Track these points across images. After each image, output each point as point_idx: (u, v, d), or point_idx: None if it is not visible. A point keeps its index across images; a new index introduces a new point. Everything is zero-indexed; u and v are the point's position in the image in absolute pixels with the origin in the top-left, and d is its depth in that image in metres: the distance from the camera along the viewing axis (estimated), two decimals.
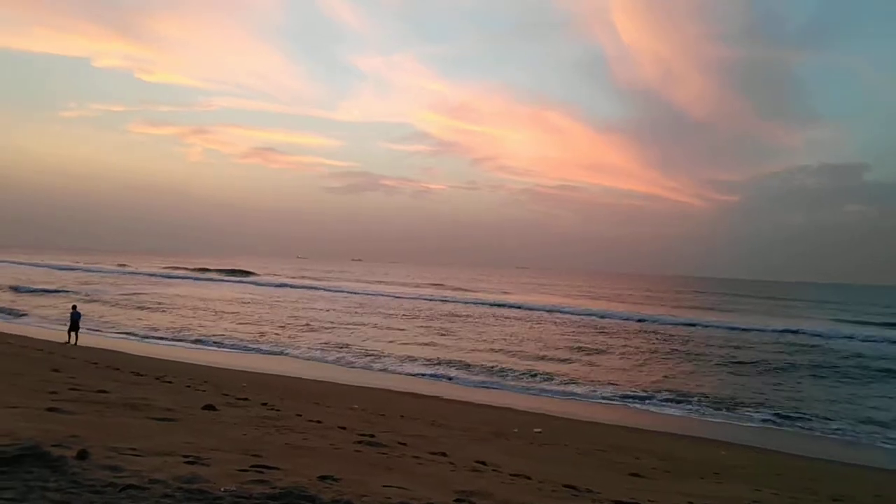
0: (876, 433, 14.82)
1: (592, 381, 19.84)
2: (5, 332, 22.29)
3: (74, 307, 22.35)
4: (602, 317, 43.45)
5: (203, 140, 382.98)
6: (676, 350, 28.00)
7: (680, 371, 22.59)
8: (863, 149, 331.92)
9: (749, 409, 16.67)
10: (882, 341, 33.77)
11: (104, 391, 9.51)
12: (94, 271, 75.91)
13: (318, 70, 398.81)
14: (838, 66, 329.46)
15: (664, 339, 31.99)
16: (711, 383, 20.38)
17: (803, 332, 35.99)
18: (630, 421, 15.08)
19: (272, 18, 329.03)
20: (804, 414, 16.27)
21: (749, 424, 15.43)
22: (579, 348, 27.21)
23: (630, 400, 17.45)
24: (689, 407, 16.83)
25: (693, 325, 39.61)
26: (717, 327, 38.58)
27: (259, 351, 23.37)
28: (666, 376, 21.22)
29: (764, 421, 15.67)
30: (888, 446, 13.92)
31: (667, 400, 17.44)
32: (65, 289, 46.22)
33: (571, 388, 18.64)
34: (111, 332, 26.03)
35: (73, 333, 20.97)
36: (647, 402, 17.27)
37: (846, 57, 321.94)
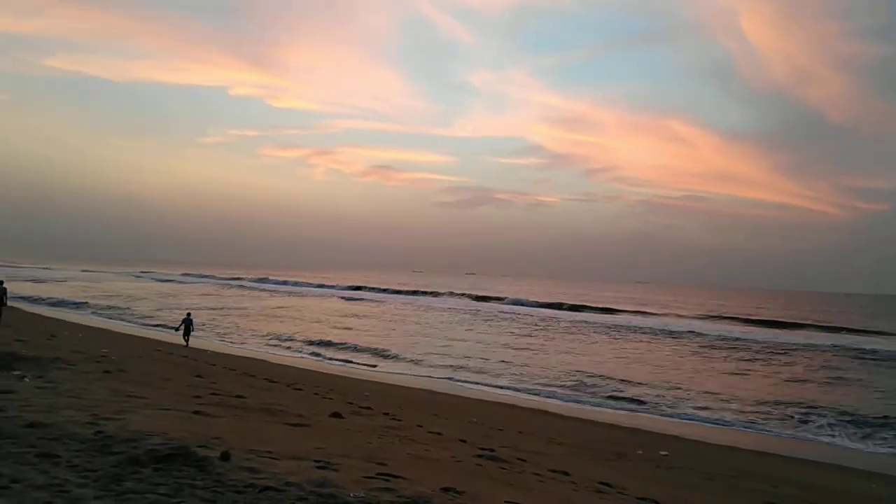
0: None
1: (726, 401, 18.71)
2: (154, 338, 24.51)
3: (189, 314, 24.42)
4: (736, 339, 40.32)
5: (326, 160, 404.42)
6: (840, 376, 25.64)
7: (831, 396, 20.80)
8: None
9: None
10: None
11: (242, 396, 10.18)
12: (252, 288, 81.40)
13: (432, 89, 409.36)
14: None
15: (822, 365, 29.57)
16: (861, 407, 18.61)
17: None
18: (761, 445, 14.03)
19: (389, 41, 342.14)
20: None
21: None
22: (715, 368, 25.79)
23: (760, 424, 16.26)
24: (831, 432, 15.45)
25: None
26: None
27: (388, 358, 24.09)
28: (813, 399, 19.58)
29: None
30: None
31: (804, 422, 16.10)
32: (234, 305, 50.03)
33: (701, 411, 17.62)
34: (254, 341, 27.91)
35: (187, 338, 23.49)
36: (784, 424, 16.02)
37: None
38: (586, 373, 22.64)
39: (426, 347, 28.14)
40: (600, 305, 63.11)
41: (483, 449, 8.55)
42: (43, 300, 41.81)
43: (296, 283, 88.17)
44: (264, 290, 73.60)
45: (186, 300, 49.91)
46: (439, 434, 9.62)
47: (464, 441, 9.21)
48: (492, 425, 12.53)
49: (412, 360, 24.44)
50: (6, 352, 11.24)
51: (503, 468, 7.48)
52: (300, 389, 13.46)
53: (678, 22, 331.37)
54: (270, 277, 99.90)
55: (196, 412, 7.80)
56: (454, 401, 16.56)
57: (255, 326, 33.62)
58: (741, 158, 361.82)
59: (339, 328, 35.10)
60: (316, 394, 13.16)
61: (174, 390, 9.91)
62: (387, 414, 11.05)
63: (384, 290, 76.64)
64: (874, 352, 32.80)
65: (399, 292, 72.02)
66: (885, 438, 15.13)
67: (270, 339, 29.21)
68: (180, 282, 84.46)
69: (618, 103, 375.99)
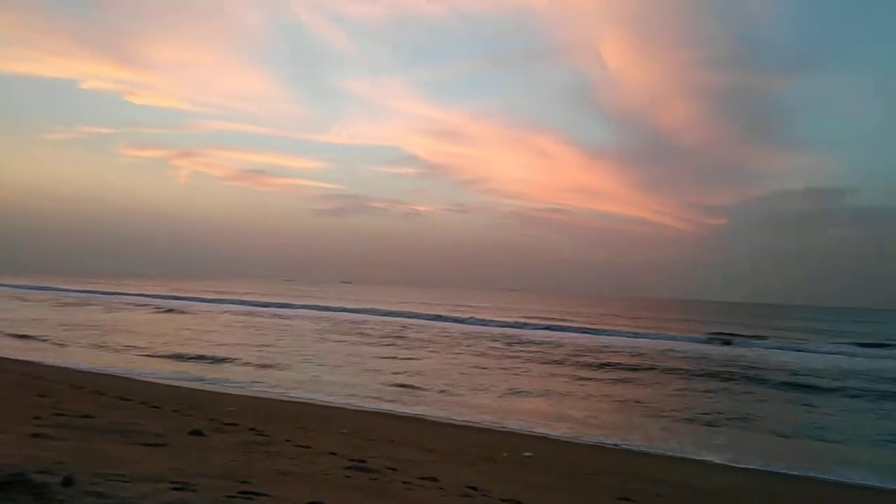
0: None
1: (585, 399, 19.83)
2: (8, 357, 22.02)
3: None
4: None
5: (191, 162, 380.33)
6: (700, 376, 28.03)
7: (675, 394, 22.61)
8: (846, 173, 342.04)
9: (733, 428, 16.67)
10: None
11: (90, 416, 9.41)
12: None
13: (307, 93, 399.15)
14: (822, 92, 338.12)
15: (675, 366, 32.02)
16: (705, 404, 20.42)
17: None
18: (622, 443, 14.99)
19: (262, 42, 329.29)
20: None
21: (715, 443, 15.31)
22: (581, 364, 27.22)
23: (616, 420, 17.39)
24: (670, 428, 16.82)
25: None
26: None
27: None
28: (652, 401, 21.20)
29: (729, 441, 15.56)
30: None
31: (659, 420, 17.42)
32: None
33: (564, 409, 18.55)
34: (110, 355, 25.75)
35: None
36: (646, 421, 17.22)
37: (830, 84, 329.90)
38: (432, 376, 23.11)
39: (295, 358, 27.45)
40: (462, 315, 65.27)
41: (353, 460, 8.48)
42: None
43: (155, 296, 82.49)
44: (120, 301, 68.35)
45: (27, 313, 45.22)
46: (308, 447, 9.42)
47: (333, 453, 9.08)
48: (363, 436, 12.45)
49: (282, 372, 23.72)
50: None
51: (373, 478, 7.46)
52: (157, 407, 12.63)
53: (549, 44, 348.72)
54: (127, 288, 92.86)
55: (35, 435, 7.12)
56: (325, 412, 16.26)
57: (107, 341, 31.11)
58: (602, 174, 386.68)
59: (203, 341, 33.32)
60: (175, 411, 12.41)
61: (11, 411, 8.98)
62: (252, 429, 10.65)
63: (250, 303, 73.53)
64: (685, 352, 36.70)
65: (269, 304, 69.47)
66: (718, 433, 16.69)
67: (123, 353, 27.13)
68: (21, 294, 76.52)
69: (491, 117, 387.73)
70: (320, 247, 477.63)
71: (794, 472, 12.91)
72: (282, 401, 17.73)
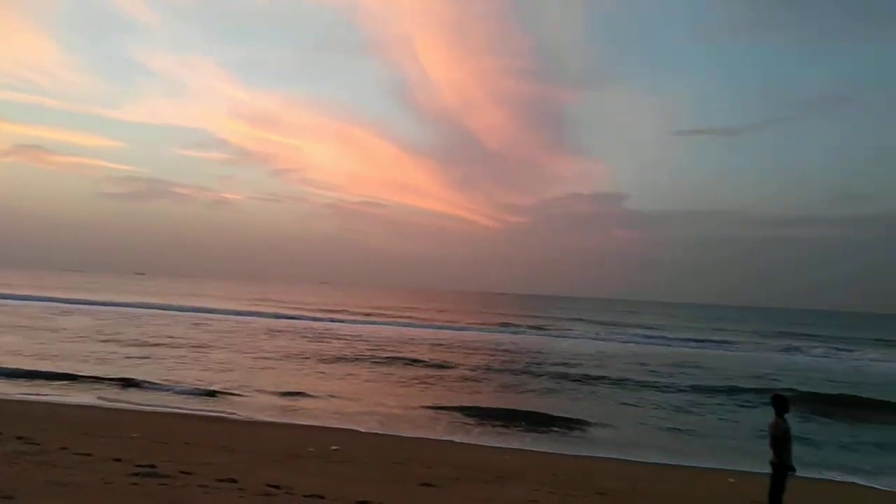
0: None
1: (391, 392, 20.22)
2: None
3: None
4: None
5: None
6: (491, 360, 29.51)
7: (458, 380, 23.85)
8: (624, 181, 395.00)
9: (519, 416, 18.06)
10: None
11: None
12: None
13: (102, 64, 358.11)
14: (606, 107, 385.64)
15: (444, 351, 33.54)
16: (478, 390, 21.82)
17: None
18: (430, 433, 15.51)
19: (49, 3, 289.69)
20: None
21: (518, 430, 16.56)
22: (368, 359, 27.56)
23: (431, 410, 17.97)
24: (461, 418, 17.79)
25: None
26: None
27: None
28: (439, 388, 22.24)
29: (530, 425, 16.93)
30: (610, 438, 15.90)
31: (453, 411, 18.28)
32: None
33: (372, 401, 18.75)
34: None
35: None
36: (444, 413, 17.92)
37: (611, 100, 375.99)
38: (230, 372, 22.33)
39: (76, 355, 24.69)
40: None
41: (141, 466, 7.86)
42: None
43: None
44: None
45: None
46: (89, 455, 8.56)
47: (118, 460, 8.34)
48: (156, 439, 11.56)
49: (61, 373, 21.15)
50: None
51: (164, 484, 6.98)
52: None
53: (370, 38, 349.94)
54: None
55: None
56: (113, 416, 14.85)
57: None
58: (419, 171, 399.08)
59: None
60: None
61: None
62: (20, 438, 9.42)
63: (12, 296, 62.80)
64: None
65: (42, 299, 60.07)
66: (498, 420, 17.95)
67: None
68: None
69: (309, 106, 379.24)
70: (113, 234, 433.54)
71: (571, 453, 14.40)
72: (59, 405, 15.84)
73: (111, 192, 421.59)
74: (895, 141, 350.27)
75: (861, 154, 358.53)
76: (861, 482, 12.87)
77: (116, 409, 15.85)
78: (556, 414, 18.13)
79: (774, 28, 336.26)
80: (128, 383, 19.31)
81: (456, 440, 14.87)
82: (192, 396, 18.28)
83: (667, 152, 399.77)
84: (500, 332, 52.03)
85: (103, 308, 52.61)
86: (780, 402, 7.89)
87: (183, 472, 7.85)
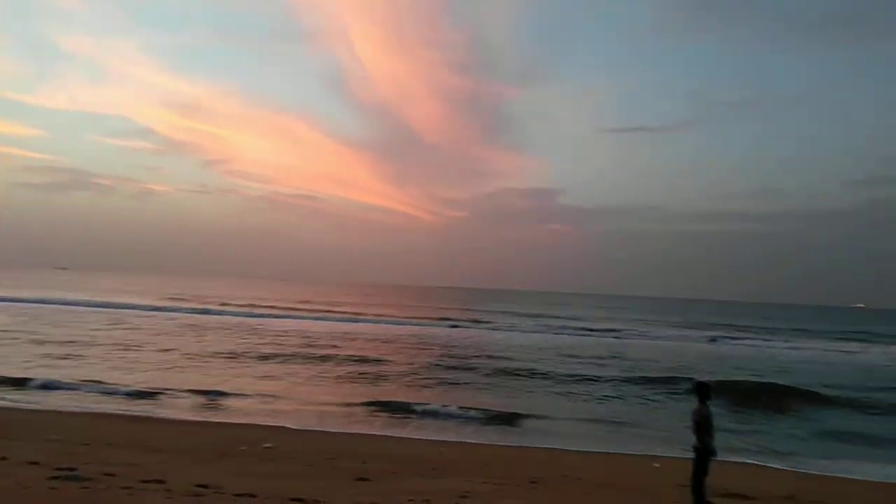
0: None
1: (326, 387, 20.03)
2: None
3: None
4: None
5: None
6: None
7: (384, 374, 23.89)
8: (557, 176, 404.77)
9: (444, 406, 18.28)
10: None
11: None
12: None
13: (14, 46, 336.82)
14: (540, 104, 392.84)
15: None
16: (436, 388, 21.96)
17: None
18: (365, 428, 15.45)
19: None
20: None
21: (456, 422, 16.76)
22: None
23: (366, 406, 17.88)
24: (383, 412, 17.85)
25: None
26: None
27: None
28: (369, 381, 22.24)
29: (469, 418, 17.16)
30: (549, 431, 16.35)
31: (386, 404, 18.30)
32: None
33: (304, 397, 18.51)
34: None
35: None
36: (379, 408, 17.89)
37: (545, 97, 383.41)
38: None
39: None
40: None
41: (61, 469, 7.53)
42: None
43: None
44: None
45: None
46: (3, 459, 8.12)
47: (36, 463, 7.96)
48: (77, 441, 11.08)
49: None
50: None
51: (85, 487, 6.71)
52: None
53: (304, 27, 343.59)
54: None
55: None
56: (30, 418, 14.12)
57: None
58: (356, 164, 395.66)
59: None
60: None
61: None
62: None
63: None
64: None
65: None
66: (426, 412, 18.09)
67: None
68: None
69: (241, 95, 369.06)
70: (32, 227, 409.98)
71: (504, 444, 14.67)
72: None
73: (29, 183, 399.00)
74: (810, 141, 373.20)
75: (778, 153, 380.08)
76: (776, 465, 13.69)
77: (33, 411, 15.08)
78: (490, 407, 18.38)
79: (701, 30, 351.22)
80: (45, 384, 18.39)
81: (391, 435, 14.90)
82: (115, 396, 17.62)
83: (599, 149, 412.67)
84: (437, 326, 52.26)
85: (20, 305, 49.68)
86: (703, 389, 8.24)
87: (106, 475, 7.57)
